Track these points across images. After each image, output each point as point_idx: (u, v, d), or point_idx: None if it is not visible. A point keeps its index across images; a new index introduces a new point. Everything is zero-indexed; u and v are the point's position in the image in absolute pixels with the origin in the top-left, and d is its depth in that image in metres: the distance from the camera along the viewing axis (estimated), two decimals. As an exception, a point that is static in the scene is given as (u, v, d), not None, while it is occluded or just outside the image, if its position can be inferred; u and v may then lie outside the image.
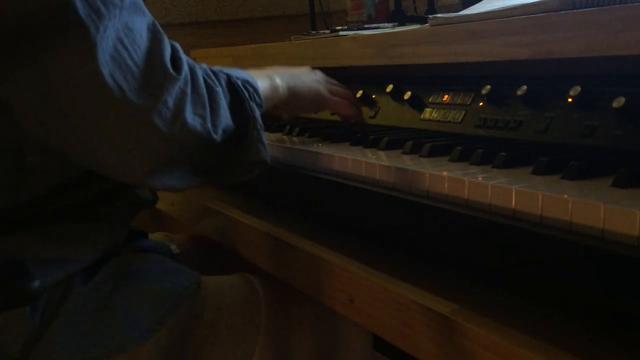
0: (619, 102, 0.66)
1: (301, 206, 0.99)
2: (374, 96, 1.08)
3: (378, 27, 1.34)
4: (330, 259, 0.77)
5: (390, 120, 1.01)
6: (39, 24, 0.61)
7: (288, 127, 1.14)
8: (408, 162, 0.77)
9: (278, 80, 0.95)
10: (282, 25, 2.16)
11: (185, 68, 0.70)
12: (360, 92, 1.09)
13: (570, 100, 0.74)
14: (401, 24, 1.45)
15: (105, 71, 0.63)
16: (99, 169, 0.69)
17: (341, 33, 1.25)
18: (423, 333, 0.63)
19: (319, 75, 1.05)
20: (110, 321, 0.78)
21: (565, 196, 0.55)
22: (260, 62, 1.35)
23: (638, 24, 0.59)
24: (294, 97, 0.98)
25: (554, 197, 0.56)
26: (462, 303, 0.62)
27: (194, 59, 1.68)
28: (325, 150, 0.90)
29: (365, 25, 1.41)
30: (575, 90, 0.71)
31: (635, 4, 0.62)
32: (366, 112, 1.07)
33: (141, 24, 0.68)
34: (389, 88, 1.02)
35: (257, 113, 0.80)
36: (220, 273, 0.96)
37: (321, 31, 1.47)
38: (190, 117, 0.69)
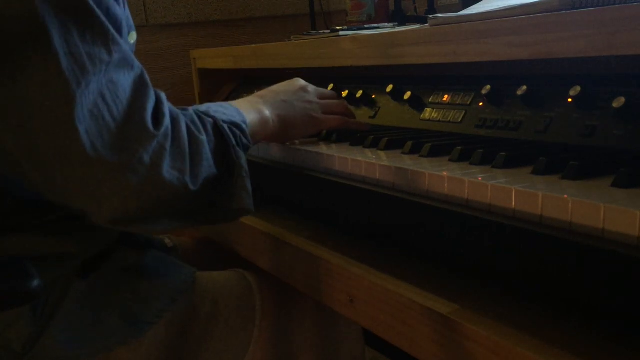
0: (619, 102, 0.66)
1: (301, 206, 0.99)
2: (374, 96, 1.08)
3: (378, 27, 1.34)
4: (330, 259, 0.77)
5: (390, 120, 1.01)
6: (16, 71, 0.62)
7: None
8: (408, 162, 0.77)
9: (267, 113, 0.93)
10: (282, 25, 2.15)
11: (167, 121, 0.69)
12: (360, 92, 1.09)
13: (570, 100, 0.74)
14: (401, 24, 1.45)
15: (81, 127, 0.62)
16: (73, 209, 0.69)
17: (341, 33, 1.25)
18: (423, 333, 0.63)
19: (310, 93, 1.02)
20: (110, 316, 0.79)
21: (565, 196, 0.55)
22: (260, 62, 1.35)
23: (638, 24, 0.59)
24: (286, 126, 0.95)
25: (554, 197, 0.56)
26: (462, 303, 0.62)
27: (194, 59, 1.68)
28: (325, 150, 0.90)
29: (365, 25, 1.41)
30: (575, 90, 0.71)
31: (635, 4, 0.62)
32: (366, 112, 1.07)
33: (127, 78, 0.67)
34: (389, 88, 1.02)
35: (243, 160, 0.79)
36: (218, 270, 0.97)
37: (321, 31, 1.47)
38: (167, 172, 0.68)
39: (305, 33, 1.50)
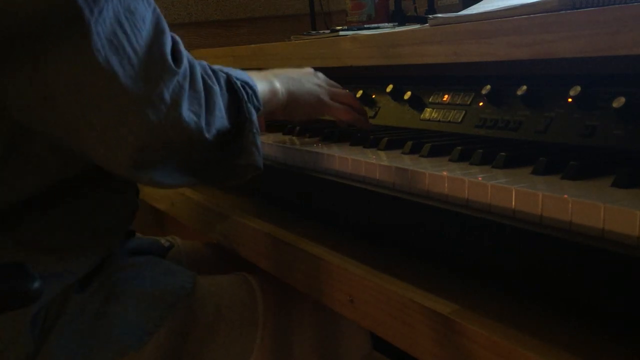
0: (619, 102, 0.66)
1: (301, 206, 0.99)
2: (374, 96, 1.08)
3: (378, 27, 1.34)
4: (330, 259, 0.77)
5: (390, 120, 1.01)
6: (33, 17, 0.59)
7: (288, 126, 1.14)
8: (408, 162, 0.77)
9: (277, 85, 0.93)
10: (282, 25, 2.16)
11: (185, 62, 0.69)
12: (360, 92, 1.09)
13: (570, 100, 0.74)
14: (401, 24, 1.45)
15: (100, 56, 0.60)
16: (89, 156, 0.67)
17: (341, 33, 1.25)
18: (423, 333, 0.63)
19: (320, 78, 1.02)
20: (108, 328, 0.78)
21: (565, 196, 0.55)
22: (260, 62, 1.35)
23: (638, 24, 0.59)
24: (293, 102, 0.96)
25: (554, 197, 0.56)
26: (462, 303, 0.62)
27: (194, 59, 1.67)
28: (325, 150, 0.90)
29: (365, 25, 1.41)
30: (575, 90, 0.71)
31: (635, 4, 0.62)
32: (366, 112, 1.07)
33: (145, 9, 0.66)
34: (389, 88, 1.02)
35: (254, 116, 0.79)
36: (219, 273, 0.96)
37: (321, 31, 1.47)
38: (185, 112, 0.67)
39: (305, 33, 1.50)
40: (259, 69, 1.36)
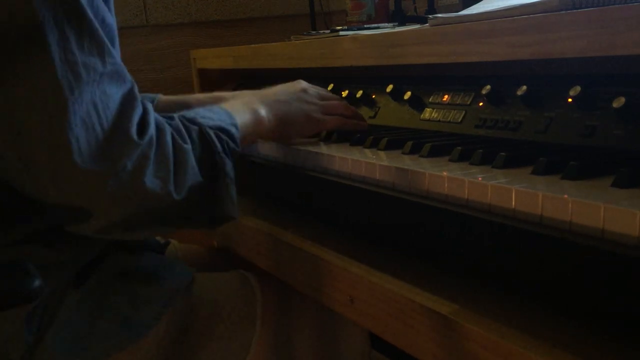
0: (619, 102, 0.66)
1: (301, 206, 0.99)
2: (374, 96, 1.08)
3: (378, 27, 1.34)
4: (330, 259, 0.77)
5: (390, 120, 1.01)
6: (11, 75, 0.63)
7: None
8: (408, 162, 0.77)
9: (263, 112, 0.92)
10: (282, 25, 2.16)
11: (151, 131, 0.70)
12: (360, 92, 1.09)
13: (570, 100, 0.74)
14: (401, 24, 1.45)
15: (72, 135, 0.64)
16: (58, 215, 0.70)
17: (341, 33, 1.25)
18: (423, 333, 0.63)
19: (310, 93, 1.01)
20: (107, 321, 0.78)
21: (565, 196, 0.55)
22: (260, 62, 1.35)
23: (638, 24, 0.59)
24: (282, 125, 0.95)
25: (554, 197, 0.56)
26: (462, 303, 0.62)
27: (194, 59, 1.68)
28: (325, 150, 0.90)
29: (365, 25, 1.41)
30: (575, 90, 0.71)
31: (635, 4, 0.62)
32: (366, 112, 1.07)
33: (117, 91, 0.68)
34: (389, 88, 1.02)
35: (229, 166, 0.79)
36: (219, 271, 0.97)
37: (321, 31, 1.47)
38: (149, 180, 0.68)
39: (305, 33, 1.50)
40: (259, 69, 1.36)
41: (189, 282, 0.87)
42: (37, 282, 0.73)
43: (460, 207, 0.65)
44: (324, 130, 1.01)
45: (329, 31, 1.37)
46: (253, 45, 1.39)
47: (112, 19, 0.72)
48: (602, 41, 0.62)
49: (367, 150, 0.89)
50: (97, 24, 0.67)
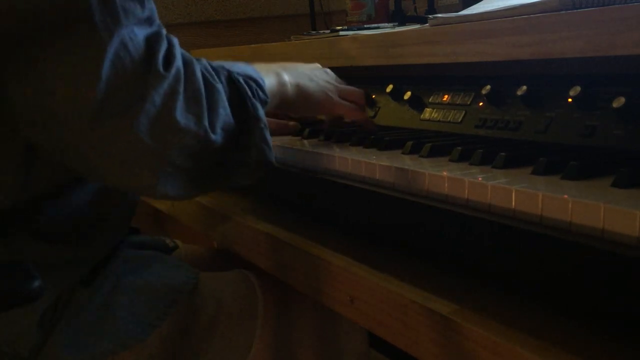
0: (619, 102, 0.66)
1: (301, 206, 0.99)
2: (374, 96, 1.08)
3: (378, 27, 1.34)
4: (330, 259, 0.77)
5: (390, 120, 1.01)
6: (48, 23, 0.60)
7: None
8: (408, 162, 0.77)
9: (286, 77, 0.91)
10: (282, 25, 2.16)
11: (178, 64, 0.67)
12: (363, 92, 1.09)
13: (570, 100, 0.74)
14: (401, 24, 1.45)
15: (104, 76, 0.61)
16: (107, 182, 0.68)
17: (341, 33, 1.25)
18: (423, 333, 0.63)
19: (330, 75, 1.01)
20: (113, 320, 0.79)
21: (565, 196, 0.55)
22: (260, 62, 1.34)
23: (638, 24, 0.59)
24: (301, 97, 0.93)
25: (554, 197, 0.56)
26: (462, 303, 0.62)
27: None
28: (325, 150, 0.90)
29: (365, 25, 1.41)
30: (575, 90, 0.71)
31: (635, 4, 0.62)
32: (366, 112, 1.07)
33: (145, 31, 0.66)
34: (389, 88, 1.02)
35: (261, 111, 0.76)
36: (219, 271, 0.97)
37: (321, 31, 1.47)
38: (182, 116, 0.65)
39: (305, 33, 1.50)
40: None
41: (194, 283, 0.87)
42: (37, 283, 0.73)
43: (460, 207, 0.65)
44: (337, 113, 1.00)
45: (329, 31, 1.37)
46: (253, 45, 1.39)
47: None
48: (602, 41, 0.62)
49: (367, 150, 0.89)
50: None
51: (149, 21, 0.66)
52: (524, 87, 0.78)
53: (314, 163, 0.90)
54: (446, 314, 0.60)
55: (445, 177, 0.67)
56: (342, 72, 1.08)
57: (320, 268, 0.79)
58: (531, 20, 0.71)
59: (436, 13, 1.35)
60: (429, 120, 0.95)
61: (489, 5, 0.89)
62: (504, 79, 0.84)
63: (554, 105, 0.76)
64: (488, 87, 0.84)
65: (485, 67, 0.84)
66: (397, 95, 1.02)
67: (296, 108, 0.96)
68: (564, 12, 0.69)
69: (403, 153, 0.84)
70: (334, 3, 2.09)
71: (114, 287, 0.82)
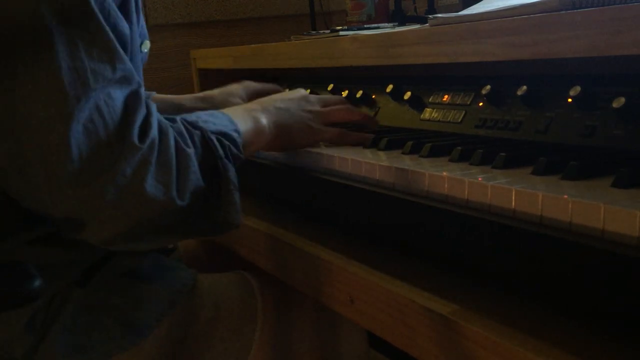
0: (619, 102, 0.66)
1: (301, 206, 0.99)
2: (374, 96, 1.08)
3: (378, 27, 1.34)
4: (330, 259, 0.77)
5: (390, 120, 1.01)
6: (16, 79, 0.61)
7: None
8: (408, 162, 0.77)
9: (264, 120, 0.89)
10: (282, 25, 2.16)
11: (153, 134, 0.68)
12: (360, 92, 1.09)
13: (570, 100, 0.74)
14: (401, 24, 1.45)
15: (73, 142, 0.62)
16: (63, 229, 0.68)
17: (341, 33, 1.25)
18: (423, 333, 0.63)
19: (312, 101, 0.98)
20: (109, 322, 0.78)
21: (565, 196, 0.55)
22: (260, 62, 1.35)
23: (638, 24, 0.59)
24: (282, 135, 0.91)
25: (554, 197, 0.56)
26: (462, 303, 0.62)
27: (194, 59, 1.68)
28: (325, 150, 0.90)
29: (365, 25, 1.41)
30: (575, 90, 0.71)
31: (635, 4, 0.62)
32: (366, 112, 1.07)
33: (123, 92, 0.67)
34: (389, 88, 1.02)
35: (231, 172, 0.76)
36: (219, 272, 0.97)
37: (321, 31, 1.47)
38: (151, 185, 0.66)
39: (305, 33, 1.50)
40: (259, 69, 1.36)
41: (192, 285, 0.87)
42: (37, 283, 0.73)
43: (460, 207, 0.65)
44: (323, 141, 0.97)
45: (329, 31, 1.37)
46: (253, 45, 1.39)
47: (125, 25, 0.71)
48: (603, 41, 0.62)
49: (367, 150, 0.89)
50: (108, 30, 0.66)
51: (124, 80, 0.67)
52: (524, 87, 0.78)
53: (314, 163, 0.90)
54: (446, 314, 0.60)
55: (445, 177, 0.67)
56: (342, 72, 1.08)
57: (320, 268, 0.79)
58: (531, 20, 0.71)
59: (436, 13, 1.35)
60: (429, 120, 0.95)
61: (489, 5, 0.89)
62: (504, 79, 0.84)
63: (554, 105, 0.76)
64: (488, 87, 0.84)
65: (485, 67, 0.84)
66: (397, 95, 1.02)
67: (280, 145, 0.94)
68: (564, 12, 0.69)
69: (403, 153, 0.84)
70: (334, 3, 2.09)
71: (109, 289, 0.81)
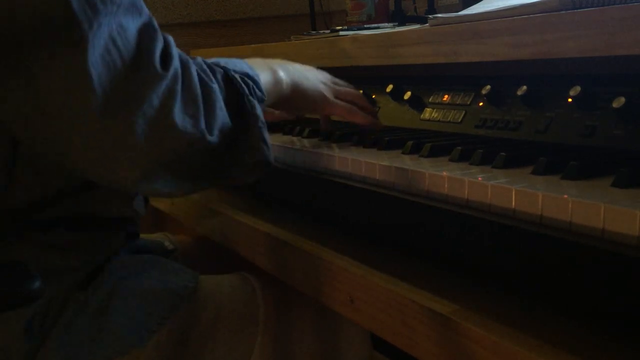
0: (619, 102, 0.66)
1: (301, 206, 0.99)
2: (374, 96, 1.08)
3: (378, 27, 1.34)
4: (330, 259, 0.77)
5: (390, 120, 1.01)
6: (29, 21, 0.58)
7: (288, 126, 1.14)
8: (408, 162, 0.77)
9: (282, 74, 0.89)
10: (282, 25, 2.16)
11: (176, 64, 0.66)
12: (360, 92, 1.09)
13: (570, 100, 0.74)
14: (401, 24, 1.45)
15: (94, 72, 0.59)
16: (90, 176, 0.66)
17: (341, 33, 1.25)
18: (423, 333, 0.63)
19: (325, 76, 0.99)
20: (110, 325, 0.78)
21: (565, 196, 0.55)
22: (260, 62, 1.35)
23: (638, 24, 0.59)
24: (297, 94, 0.91)
25: (554, 197, 0.56)
26: (462, 303, 0.62)
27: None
28: (325, 150, 0.90)
29: (365, 25, 1.41)
30: (575, 90, 0.71)
31: (635, 4, 0.62)
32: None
33: (135, 23, 0.64)
34: (389, 88, 1.02)
35: (258, 109, 0.75)
36: (219, 273, 0.96)
37: (321, 31, 1.47)
38: (179, 117, 0.64)
39: (305, 33, 1.50)
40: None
41: (193, 287, 0.86)
42: (37, 283, 0.73)
43: (460, 207, 0.65)
44: (333, 114, 0.98)
45: (329, 31, 1.37)
46: (253, 45, 1.39)
47: None
48: (602, 41, 0.62)
49: (367, 150, 0.89)
50: None
51: (133, 8, 0.64)
52: (524, 87, 0.78)
53: (314, 163, 0.90)
54: (446, 314, 0.60)
55: (445, 177, 0.67)
56: (342, 72, 1.08)
57: (320, 268, 0.79)
58: (531, 20, 0.71)
59: (436, 13, 1.35)
60: (429, 120, 0.95)
61: (489, 5, 0.89)
62: (504, 79, 0.84)
63: (554, 105, 0.76)
64: (488, 87, 0.84)
65: (485, 67, 0.84)
66: (397, 95, 1.02)
67: (292, 105, 0.94)
68: (564, 12, 0.69)
69: (403, 153, 0.84)
70: (334, 3, 2.09)
71: (110, 292, 0.80)
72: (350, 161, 0.82)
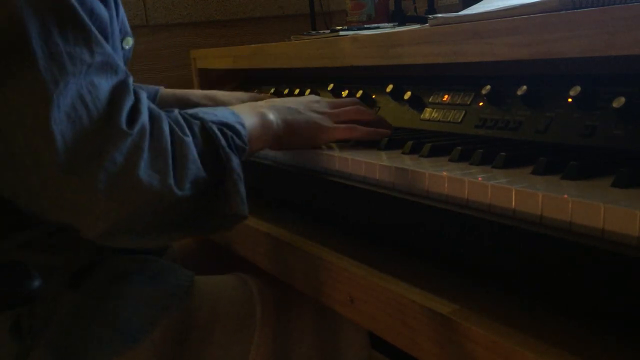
0: (619, 102, 0.66)
1: (301, 206, 0.99)
2: (374, 96, 1.08)
3: (378, 27, 1.34)
4: (330, 259, 0.77)
5: (390, 120, 1.01)
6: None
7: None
8: (408, 162, 0.77)
9: (271, 116, 0.87)
10: (282, 25, 2.16)
11: (144, 120, 0.66)
12: (360, 92, 1.09)
13: (570, 100, 0.74)
14: (401, 24, 1.45)
15: (56, 129, 0.60)
16: (50, 219, 0.66)
17: (341, 33, 1.25)
18: (423, 333, 0.63)
19: (321, 103, 0.96)
20: (102, 326, 0.77)
21: (565, 196, 0.55)
22: (260, 62, 1.35)
23: (638, 24, 0.59)
24: (291, 132, 0.89)
25: (554, 197, 0.56)
26: (462, 303, 0.62)
27: (194, 59, 1.68)
28: (325, 150, 0.90)
29: (365, 25, 1.41)
30: (575, 90, 0.71)
31: (635, 4, 0.62)
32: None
33: (108, 81, 0.65)
34: (389, 88, 1.02)
35: (235, 162, 0.73)
36: (217, 273, 0.96)
37: (321, 31, 1.47)
38: (145, 173, 0.64)
39: (305, 33, 1.50)
40: (259, 69, 1.36)
41: (188, 287, 0.85)
42: (36, 283, 0.73)
43: (460, 207, 0.65)
44: (334, 139, 0.95)
45: (329, 31, 1.37)
46: (253, 45, 1.39)
47: (104, 11, 0.69)
48: (602, 41, 0.62)
49: (367, 150, 0.89)
50: (82, 13, 0.64)
51: (109, 68, 0.65)
52: (524, 87, 0.78)
53: (314, 163, 0.90)
54: (446, 314, 0.60)
55: (445, 177, 0.67)
56: (342, 72, 1.08)
57: (320, 268, 0.79)
58: (531, 20, 0.71)
59: (436, 13, 1.35)
60: (429, 120, 0.95)
61: (489, 5, 0.89)
62: (504, 79, 0.84)
63: (554, 105, 0.76)
64: (488, 87, 0.84)
65: (485, 67, 0.84)
66: (397, 95, 1.02)
67: (288, 144, 0.92)
68: (564, 12, 0.69)
69: (403, 153, 0.84)
70: (334, 3, 2.09)
71: (104, 293, 0.79)
72: (350, 161, 0.82)
